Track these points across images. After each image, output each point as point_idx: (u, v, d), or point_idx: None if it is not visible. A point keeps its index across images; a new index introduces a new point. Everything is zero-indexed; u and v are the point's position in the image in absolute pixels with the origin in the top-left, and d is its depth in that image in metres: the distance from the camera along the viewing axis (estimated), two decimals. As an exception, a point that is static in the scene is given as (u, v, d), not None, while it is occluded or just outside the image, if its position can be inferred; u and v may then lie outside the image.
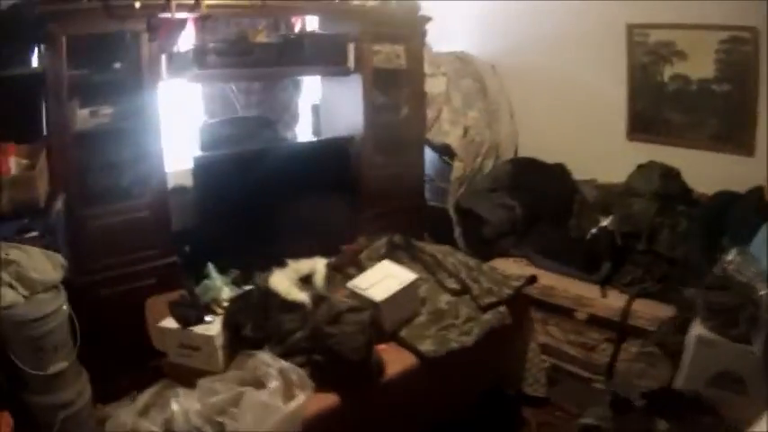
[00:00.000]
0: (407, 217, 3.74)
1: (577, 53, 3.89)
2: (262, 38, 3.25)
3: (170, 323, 2.27)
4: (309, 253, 2.79)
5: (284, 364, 2.07)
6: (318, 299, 2.40)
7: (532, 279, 2.93)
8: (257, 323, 2.28)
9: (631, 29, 3.63)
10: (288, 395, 1.97)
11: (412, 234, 3.10)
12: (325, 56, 3.41)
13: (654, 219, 3.23)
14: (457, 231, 3.94)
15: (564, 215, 3.70)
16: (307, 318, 2.30)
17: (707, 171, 3.37)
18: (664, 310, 2.99)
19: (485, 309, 2.65)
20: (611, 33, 3.69)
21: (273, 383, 1.96)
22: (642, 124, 3.70)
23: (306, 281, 2.65)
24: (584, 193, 3.72)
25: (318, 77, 3.77)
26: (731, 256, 2.46)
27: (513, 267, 3.39)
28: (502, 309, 2.67)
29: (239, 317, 2.29)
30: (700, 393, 2.10)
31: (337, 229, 3.30)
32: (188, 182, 3.13)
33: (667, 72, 3.57)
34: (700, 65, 3.44)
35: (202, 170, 3.07)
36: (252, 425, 1.84)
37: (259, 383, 1.99)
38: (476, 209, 3.77)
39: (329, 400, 2.08)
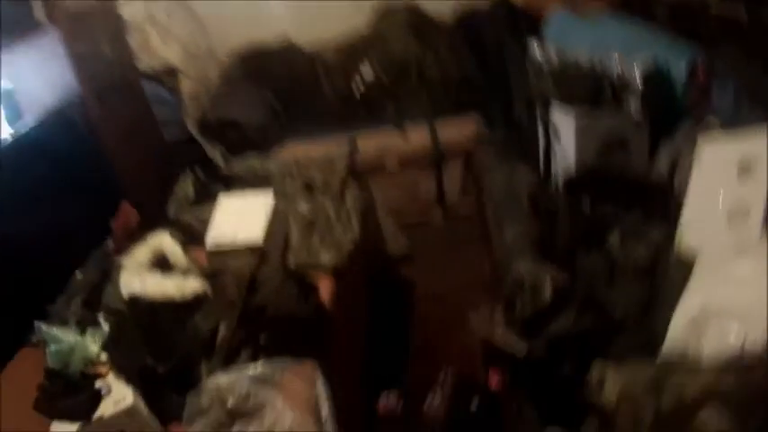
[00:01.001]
0: (156, 170, 3.33)
1: None
2: None
3: (63, 427, 1.80)
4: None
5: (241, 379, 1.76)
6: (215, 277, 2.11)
7: (353, 144, 2.93)
8: (163, 353, 1.92)
9: None
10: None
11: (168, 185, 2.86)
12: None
13: (416, 52, 3.40)
14: (213, 152, 3.60)
15: (312, 87, 3.68)
16: (214, 308, 2.02)
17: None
18: (466, 126, 3.28)
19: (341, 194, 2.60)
20: None
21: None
22: None
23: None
24: (323, 58, 3.71)
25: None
26: (537, 51, 2.75)
27: (302, 153, 3.26)
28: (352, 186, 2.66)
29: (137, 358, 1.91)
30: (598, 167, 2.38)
31: (98, 211, 2.70)
32: None
33: None
34: None
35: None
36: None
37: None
38: (228, 115, 3.51)
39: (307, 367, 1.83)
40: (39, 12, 2.84)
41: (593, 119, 2.31)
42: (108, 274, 2.20)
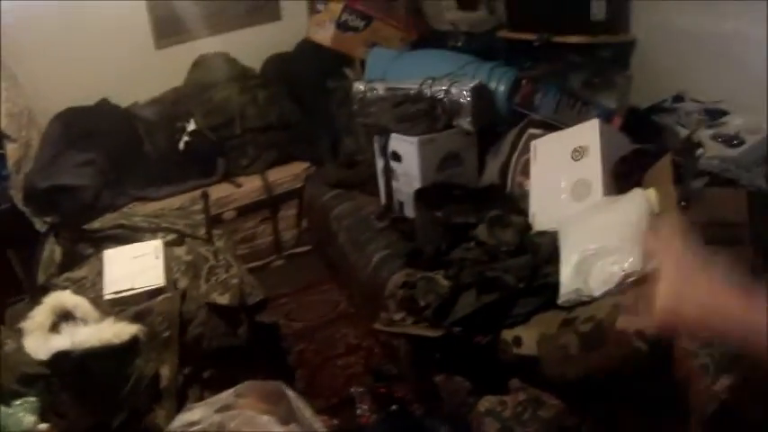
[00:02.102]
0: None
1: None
2: None
3: None
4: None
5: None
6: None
7: (204, 195, 3.07)
8: (111, 406, 1.88)
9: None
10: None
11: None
12: None
13: (238, 101, 3.61)
14: (40, 222, 3.37)
15: (136, 145, 3.70)
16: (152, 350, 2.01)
17: (248, 46, 3.85)
18: (296, 167, 3.57)
19: (207, 240, 2.73)
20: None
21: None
22: (166, 28, 3.83)
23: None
24: (142, 115, 3.75)
25: None
26: (362, 86, 3.13)
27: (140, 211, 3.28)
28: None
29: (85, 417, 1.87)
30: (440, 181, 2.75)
31: None
32: None
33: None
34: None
35: None
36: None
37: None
38: (59, 181, 3.36)
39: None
40: None
41: (432, 139, 2.68)
42: None
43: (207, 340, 2.11)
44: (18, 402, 1.79)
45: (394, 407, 2.29)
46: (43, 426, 1.77)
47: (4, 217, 3.34)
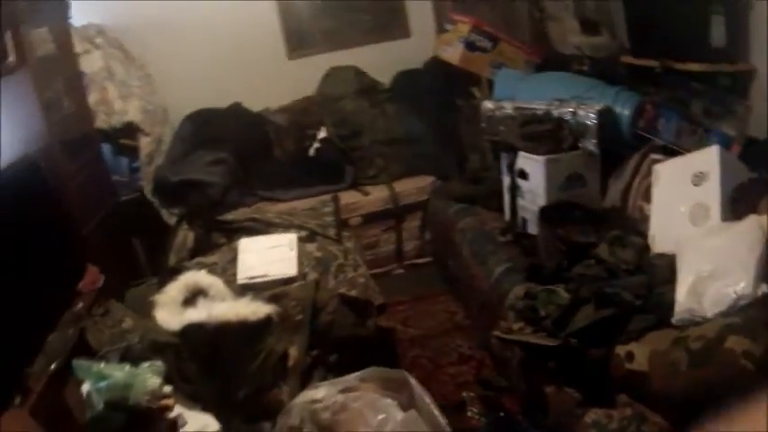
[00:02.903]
0: (113, 225, 3.51)
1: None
2: None
3: None
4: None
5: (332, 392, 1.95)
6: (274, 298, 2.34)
7: (335, 198, 3.38)
8: (238, 379, 2.09)
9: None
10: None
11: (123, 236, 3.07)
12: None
13: (368, 113, 3.93)
14: (167, 212, 3.88)
15: (266, 148, 4.10)
16: (283, 331, 2.24)
17: (377, 61, 4.18)
18: (421, 181, 3.86)
19: (336, 239, 3.02)
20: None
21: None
22: (299, 40, 4.25)
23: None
24: (274, 121, 4.14)
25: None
26: (491, 105, 3.38)
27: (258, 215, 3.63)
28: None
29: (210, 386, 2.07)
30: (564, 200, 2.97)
31: (62, 277, 2.68)
32: None
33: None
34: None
35: None
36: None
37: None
38: (190, 176, 3.77)
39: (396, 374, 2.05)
40: (11, 53, 2.82)
41: (558, 159, 2.89)
42: (83, 336, 2.31)
43: (337, 328, 2.37)
44: (146, 365, 1.98)
45: (502, 414, 2.46)
46: (167, 388, 1.95)
47: (133, 205, 3.76)
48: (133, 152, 3.97)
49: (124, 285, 2.70)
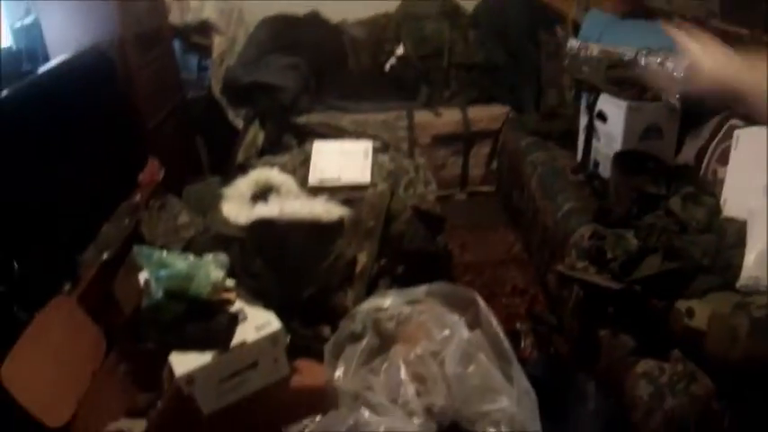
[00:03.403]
0: (178, 126, 3.62)
1: None
2: None
3: (187, 359, 1.70)
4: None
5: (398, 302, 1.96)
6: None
7: (410, 113, 3.45)
8: (303, 279, 2.07)
9: None
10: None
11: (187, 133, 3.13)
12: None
13: (449, 36, 3.96)
14: (233, 114, 3.92)
15: (341, 59, 4.14)
16: (342, 234, 2.22)
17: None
18: (496, 109, 3.92)
19: (409, 154, 3.11)
20: None
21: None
22: None
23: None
24: (351, 33, 4.18)
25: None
26: (576, 44, 3.39)
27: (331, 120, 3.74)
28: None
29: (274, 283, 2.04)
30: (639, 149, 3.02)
31: (123, 167, 2.74)
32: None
33: None
34: None
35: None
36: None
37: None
38: (263, 78, 3.81)
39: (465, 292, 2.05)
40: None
41: (640, 107, 2.93)
42: (137, 228, 2.34)
43: (407, 239, 2.36)
44: (209, 256, 1.90)
45: (552, 350, 2.58)
46: (230, 282, 1.88)
47: (200, 103, 3.84)
48: (205, 51, 4.02)
49: (184, 182, 2.74)
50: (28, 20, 2.91)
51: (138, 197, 2.53)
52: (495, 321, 1.87)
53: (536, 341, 2.68)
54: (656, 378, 1.97)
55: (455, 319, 1.85)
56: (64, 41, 2.87)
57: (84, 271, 2.14)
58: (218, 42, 4.01)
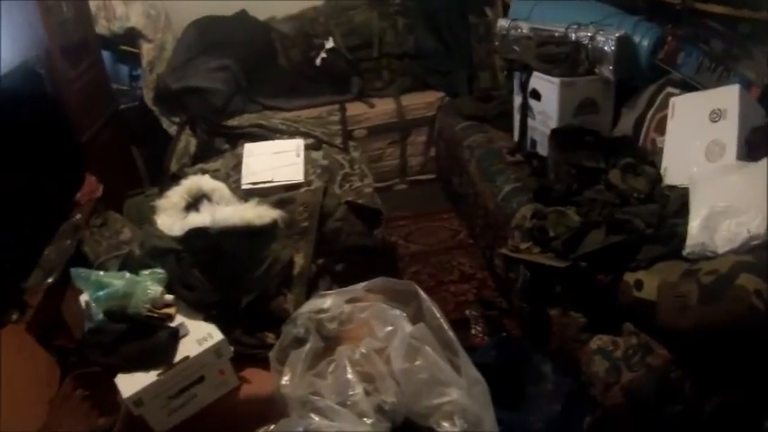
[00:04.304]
0: (113, 134, 3.51)
1: None
2: None
3: (133, 379, 1.72)
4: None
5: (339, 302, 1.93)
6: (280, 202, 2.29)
7: (343, 107, 3.39)
8: (242, 286, 2.00)
9: None
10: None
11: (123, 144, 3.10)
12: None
13: (378, 25, 3.89)
14: (167, 121, 3.84)
15: (271, 57, 4.04)
16: (276, 236, 2.15)
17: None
18: (430, 96, 3.86)
19: (343, 148, 3.02)
20: None
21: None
22: None
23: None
24: (280, 29, 4.08)
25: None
26: (506, 23, 3.36)
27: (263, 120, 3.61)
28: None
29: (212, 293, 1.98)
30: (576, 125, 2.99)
31: (59, 187, 2.67)
32: None
33: None
34: None
35: None
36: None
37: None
38: (192, 83, 3.71)
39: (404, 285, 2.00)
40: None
41: (573, 82, 2.90)
42: (80, 247, 2.31)
43: (344, 236, 2.33)
44: (146, 272, 1.91)
45: (504, 334, 2.52)
46: (169, 297, 1.90)
47: (132, 113, 3.75)
48: (134, 59, 3.92)
49: (123, 196, 2.67)
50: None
51: (78, 216, 2.51)
52: (438, 312, 1.83)
53: (487, 326, 2.64)
54: (611, 353, 1.96)
55: (397, 313, 1.81)
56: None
57: (30, 297, 2.09)
58: (146, 50, 3.90)
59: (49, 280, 2.19)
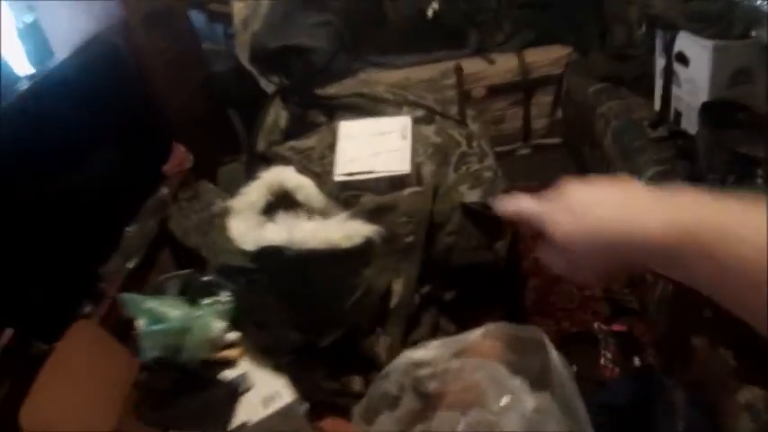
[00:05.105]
0: (206, 106, 3.34)
1: None
2: None
3: None
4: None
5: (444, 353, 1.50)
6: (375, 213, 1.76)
7: (458, 68, 3.03)
8: (323, 323, 1.63)
9: None
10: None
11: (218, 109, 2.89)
12: None
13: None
14: (267, 83, 3.55)
15: (378, 10, 3.70)
16: (388, 259, 1.70)
17: None
18: (556, 51, 3.46)
19: (460, 121, 2.69)
20: None
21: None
22: None
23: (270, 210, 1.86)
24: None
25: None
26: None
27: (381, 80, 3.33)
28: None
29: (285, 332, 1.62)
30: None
31: (150, 155, 2.57)
32: None
33: None
34: None
35: None
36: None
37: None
38: (290, 41, 3.46)
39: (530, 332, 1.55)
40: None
41: (729, 47, 2.49)
42: (165, 225, 2.12)
43: (458, 253, 1.79)
44: (208, 302, 1.62)
45: (637, 360, 2.24)
46: (233, 335, 1.60)
47: (228, 74, 3.55)
48: (229, 18, 3.68)
49: (220, 163, 2.56)
50: (28, 19, 2.57)
51: (165, 191, 2.35)
52: (567, 372, 1.44)
53: (618, 350, 2.32)
54: (761, 413, 1.64)
55: (516, 383, 1.42)
56: (68, 36, 2.57)
57: (108, 285, 1.94)
58: (238, 8, 3.64)
59: (130, 265, 2.04)
